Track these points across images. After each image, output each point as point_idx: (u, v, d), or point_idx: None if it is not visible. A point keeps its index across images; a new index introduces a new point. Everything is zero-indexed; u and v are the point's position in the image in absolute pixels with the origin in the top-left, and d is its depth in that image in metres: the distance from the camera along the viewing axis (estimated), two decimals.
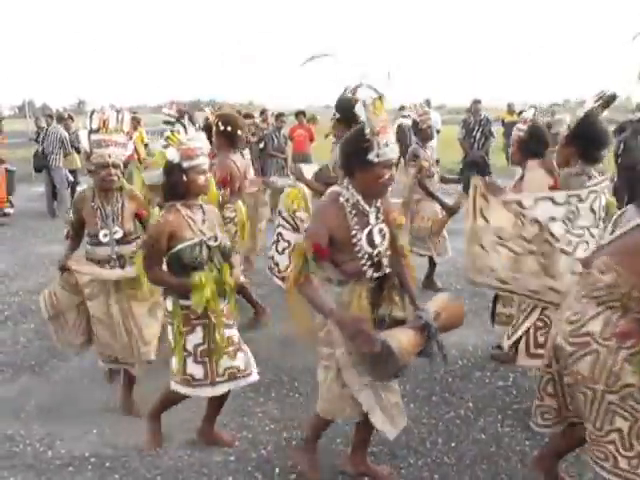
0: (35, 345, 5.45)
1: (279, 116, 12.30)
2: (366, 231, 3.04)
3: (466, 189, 11.64)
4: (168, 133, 3.49)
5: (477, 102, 11.97)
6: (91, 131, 3.99)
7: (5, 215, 11.82)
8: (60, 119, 12.91)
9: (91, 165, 4.00)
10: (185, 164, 3.41)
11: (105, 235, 4.05)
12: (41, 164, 12.22)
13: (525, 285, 3.67)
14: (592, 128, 3.85)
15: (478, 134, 11.52)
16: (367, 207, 3.05)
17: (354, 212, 3.02)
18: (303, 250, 2.96)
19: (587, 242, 3.57)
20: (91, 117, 4.00)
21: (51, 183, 12.20)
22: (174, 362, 3.54)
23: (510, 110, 16.34)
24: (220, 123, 5.29)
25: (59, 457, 3.75)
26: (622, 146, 9.60)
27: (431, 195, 6.54)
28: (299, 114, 13.52)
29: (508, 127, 15.64)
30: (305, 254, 2.95)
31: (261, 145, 11.78)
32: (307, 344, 4.80)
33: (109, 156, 3.96)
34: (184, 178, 3.41)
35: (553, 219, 3.60)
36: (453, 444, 3.80)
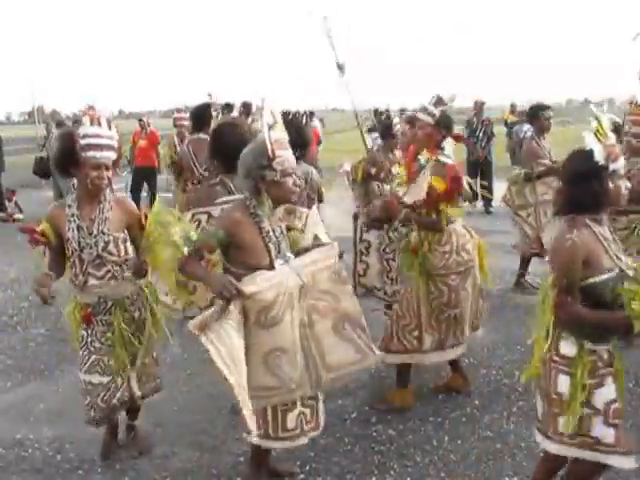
0: (44, 350, 5.49)
1: None
2: None
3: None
4: (594, 125, 2.75)
5: (480, 103, 11.99)
6: (270, 127, 3.01)
7: (15, 220, 11.88)
8: (60, 125, 12.89)
9: (274, 173, 2.94)
10: (612, 167, 2.69)
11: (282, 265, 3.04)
12: (42, 169, 12.17)
13: None
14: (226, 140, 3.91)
15: (481, 134, 11.55)
16: None
17: None
18: None
19: None
20: (267, 109, 3.07)
21: (58, 189, 12.20)
22: (562, 419, 2.71)
23: (513, 110, 16.24)
24: None
25: (68, 461, 3.78)
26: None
27: None
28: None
29: (512, 127, 15.48)
30: None
31: None
32: None
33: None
34: (609, 185, 2.69)
35: None
36: (459, 442, 3.81)
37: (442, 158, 4.05)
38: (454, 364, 4.44)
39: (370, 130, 12.71)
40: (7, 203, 12.33)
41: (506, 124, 16.20)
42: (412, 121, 4.61)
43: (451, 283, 4.06)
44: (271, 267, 2.99)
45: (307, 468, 3.60)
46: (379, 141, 5.51)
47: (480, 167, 11.61)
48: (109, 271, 3.41)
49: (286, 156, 2.98)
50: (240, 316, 2.89)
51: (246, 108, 10.47)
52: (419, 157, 4.10)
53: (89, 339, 3.50)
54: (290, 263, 3.04)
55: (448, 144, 4.15)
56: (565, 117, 30.25)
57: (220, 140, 3.89)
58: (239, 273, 2.96)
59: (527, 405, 4.15)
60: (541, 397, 2.83)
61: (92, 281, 3.41)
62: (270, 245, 3.02)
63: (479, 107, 11.91)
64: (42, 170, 12.23)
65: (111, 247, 3.39)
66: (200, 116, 6.42)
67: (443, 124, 4.09)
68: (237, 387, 2.76)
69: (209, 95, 5.97)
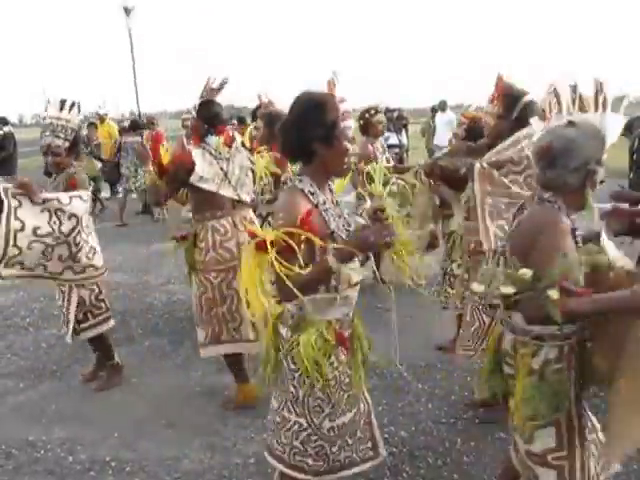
0: (56, 351, 5.49)
1: None
2: None
3: None
4: None
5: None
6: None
7: None
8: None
9: (600, 171, 2.44)
10: None
11: None
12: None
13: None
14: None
15: None
16: None
17: None
18: None
19: (92, 232, 4.41)
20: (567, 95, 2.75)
21: None
22: None
23: None
24: None
25: (80, 462, 3.77)
26: (637, 142, 9.47)
27: None
28: None
29: None
30: None
31: None
32: None
33: None
34: None
35: (84, 213, 4.30)
36: (472, 443, 3.77)
37: (195, 149, 4.06)
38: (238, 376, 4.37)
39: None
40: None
41: None
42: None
43: (212, 280, 4.09)
44: None
45: None
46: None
47: None
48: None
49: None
50: None
51: None
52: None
53: (341, 377, 2.62)
54: None
55: (213, 138, 4.12)
56: None
57: None
58: None
59: None
60: None
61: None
62: None
63: None
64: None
65: None
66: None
67: (203, 116, 4.09)
68: None
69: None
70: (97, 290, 4.54)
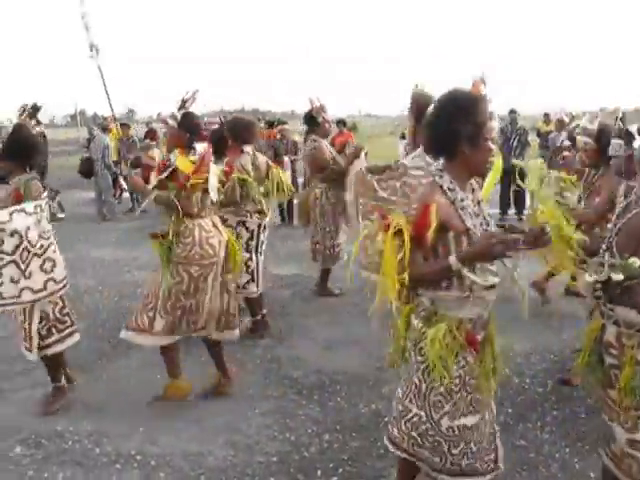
0: (84, 345, 5.53)
1: None
2: None
3: (502, 198, 11.61)
4: None
5: (513, 112, 11.90)
6: None
7: (56, 220, 12.20)
8: (104, 129, 13.27)
9: None
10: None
11: None
12: (86, 169, 12.63)
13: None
14: (24, 139, 4.49)
15: (515, 142, 11.44)
16: None
17: None
18: None
19: (53, 243, 4.29)
20: None
21: (99, 189, 12.62)
22: None
23: (547, 120, 15.92)
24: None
25: (106, 454, 3.85)
26: None
27: None
28: (339, 123, 13.61)
29: (544, 138, 14.90)
30: None
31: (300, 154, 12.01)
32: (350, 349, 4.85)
33: None
34: None
35: (28, 228, 4.06)
36: None
37: (192, 157, 4.35)
38: (218, 363, 4.65)
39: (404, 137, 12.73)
40: (51, 203, 12.68)
41: (539, 134, 15.84)
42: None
43: (192, 273, 4.28)
44: None
45: (340, 471, 3.62)
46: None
47: (513, 175, 11.50)
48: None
49: None
50: None
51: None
52: (170, 155, 4.44)
53: (467, 377, 2.64)
54: None
55: (199, 145, 4.44)
56: None
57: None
58: None
59: (561, 415, 4.12)
60: None
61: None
62: None
63: (512, 116, 11.82)
64: (87, 170, 12.70)
65: None
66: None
67: (184, 127, 4.40)
68: None
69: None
70: (61, 304, 4.43)
